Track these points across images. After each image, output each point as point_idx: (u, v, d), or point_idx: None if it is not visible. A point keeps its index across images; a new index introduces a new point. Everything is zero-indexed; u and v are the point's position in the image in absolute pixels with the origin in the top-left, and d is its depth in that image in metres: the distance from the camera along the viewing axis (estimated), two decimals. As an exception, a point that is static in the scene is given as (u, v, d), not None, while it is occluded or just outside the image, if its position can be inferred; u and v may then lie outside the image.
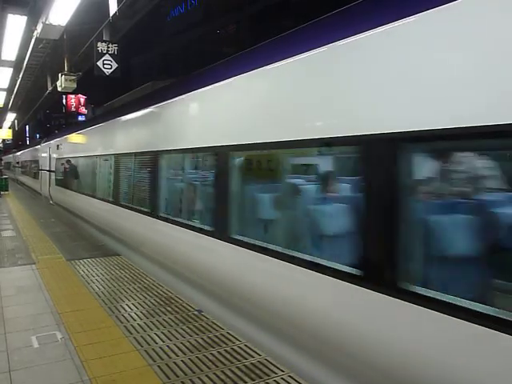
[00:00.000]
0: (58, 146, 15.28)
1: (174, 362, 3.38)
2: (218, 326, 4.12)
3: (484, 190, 2.98)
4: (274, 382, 3.07)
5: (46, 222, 11.25)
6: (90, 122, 12.02)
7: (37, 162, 21.15)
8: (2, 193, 19.24)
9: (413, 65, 2.70)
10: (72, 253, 7.34)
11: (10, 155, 42.18)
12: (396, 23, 2.78)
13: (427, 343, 2.53)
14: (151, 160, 6.69)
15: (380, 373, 2.82)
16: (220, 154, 4.66)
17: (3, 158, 41.61)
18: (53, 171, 15.80)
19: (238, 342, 3.74)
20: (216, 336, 3.87)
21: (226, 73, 4.79)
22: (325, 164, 4.08)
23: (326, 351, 3.25)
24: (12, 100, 20.79)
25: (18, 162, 33.60)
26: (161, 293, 5.14)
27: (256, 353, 3.53)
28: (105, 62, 9.36)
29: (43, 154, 18.76)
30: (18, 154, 34.20)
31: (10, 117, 27.39)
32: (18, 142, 43.09)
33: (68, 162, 13.27)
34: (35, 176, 21.84)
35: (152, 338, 3.83)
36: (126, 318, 4.33)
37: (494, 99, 2.26)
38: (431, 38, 2.60)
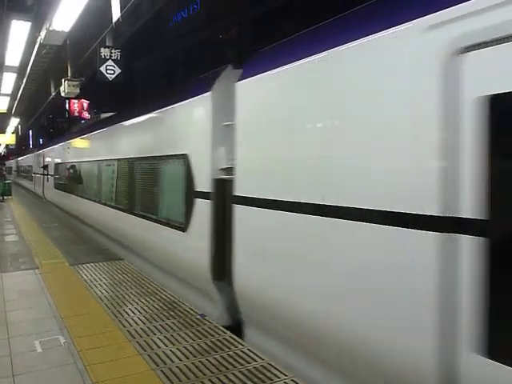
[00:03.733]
0: None
1: (177, 367, 3.38)
2: (220, 330, 4.12)
3: None
4: (277, 387, 3.07)
5: (49, 226, 11.28)
6: None
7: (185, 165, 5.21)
8: (5, 197, 19.33)
9: None
10: (75, 257, 7.35)
11: (30, 155, 25.26)
12: None
13: None
14: None
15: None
16: None
17: (18, 159, 38.78)
18: None
19: (240, 347, 3.74)
20: (219, 340, 3.87)
21: None
22: None
23: None
24: (15, 105, 20.93)
25: (45, 167, 17.56)
26: (164, 297, 5.14)
27: (259, 357, 3.53)
28: (108, 67, 9.42)
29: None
30: (46, 150, 18.64)
31: (14, 122, 27.57)
32: (21, 146, 43.11)
33: None
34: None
35: (155, 343, 3.83)
36: (129, 322, 4.34)
37: None
38: None
